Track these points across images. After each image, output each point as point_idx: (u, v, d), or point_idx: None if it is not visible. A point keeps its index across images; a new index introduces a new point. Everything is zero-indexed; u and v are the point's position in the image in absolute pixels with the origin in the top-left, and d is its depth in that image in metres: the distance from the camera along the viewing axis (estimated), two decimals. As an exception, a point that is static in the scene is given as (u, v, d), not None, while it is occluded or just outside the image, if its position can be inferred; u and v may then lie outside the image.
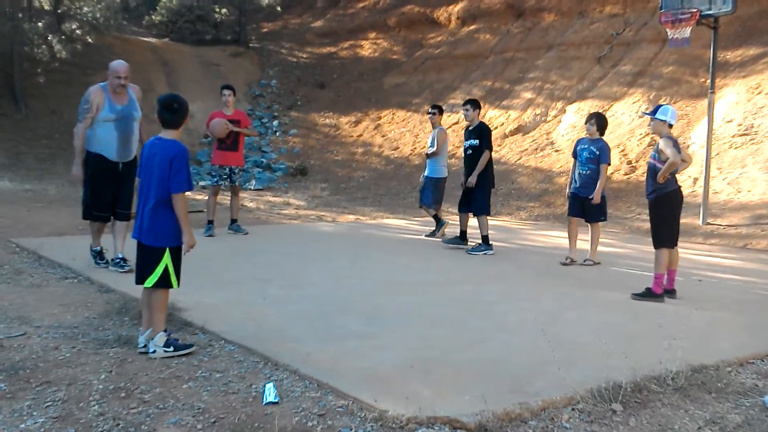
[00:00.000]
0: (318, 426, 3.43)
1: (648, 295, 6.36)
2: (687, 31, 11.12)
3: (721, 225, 10.74)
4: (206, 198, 9.77)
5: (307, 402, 3.70)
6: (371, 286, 6.64)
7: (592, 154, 7.96)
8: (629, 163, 13.65)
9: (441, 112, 10.01)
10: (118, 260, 6.77)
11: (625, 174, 13.39)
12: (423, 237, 9.93)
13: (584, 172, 8.01)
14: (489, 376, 4.16)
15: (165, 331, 4.46)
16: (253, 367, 4.24)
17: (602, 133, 8.12)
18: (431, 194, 9.81)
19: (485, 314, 5.64)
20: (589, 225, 8.17)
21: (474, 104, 8.98)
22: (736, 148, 12.61)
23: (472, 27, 21.90)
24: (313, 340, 4.74)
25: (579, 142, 8.30)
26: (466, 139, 8.92)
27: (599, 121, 8.17)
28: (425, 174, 9.96)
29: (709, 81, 11.87)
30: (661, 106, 6.56)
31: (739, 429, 3.56)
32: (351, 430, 3.38)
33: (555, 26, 19.59)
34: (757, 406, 3.86)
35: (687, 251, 8.98)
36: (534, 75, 18.26)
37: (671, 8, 11.36)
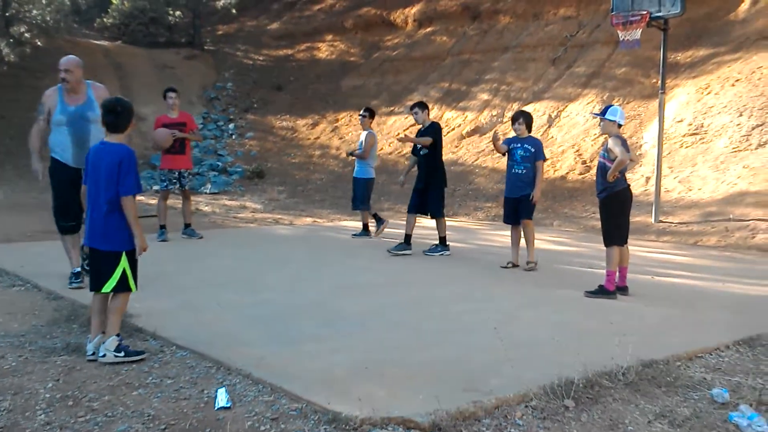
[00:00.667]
0: (271, 430, 3.39)
1: (601, 292, 6.44)
2: (637, 33, 11.30)
3: (672, 222, 10.94)
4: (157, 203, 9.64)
5: (260, 406, 3.66)
6: (327, 289, 6.61)
7: (527, 152, 7.80)
8: (584, 162, 13.83)
9: (372, 115, 10.36)
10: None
11: (580, 174, 13.57)
12: (352, 237, 10.21)
13: (520, 171, 7.83)
14: (443, 376, 4.16)
15: (117, 335, 4.39)
16: (206, 372, 4.18)
17: (530, 131, 8.06)
18: (363, 196, 10.15)
19: (441, 315, 5.65)
20: (522, 225, 7.91)
21: (422, 106, 9.00)
22: (686, 147, 12.86)
23: (428, 29, 21.99)
24: (267, 344, 4.70)
25: (509, 141, 8.08)
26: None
27: (527, 119, 8.04)
28: (354, 176, 10.30)
29: (659, 82, 12.09)
30: (611, 106, 6.65)
31: (688, 422, 3.62)
32: (304, 433, 3.35)
33: (510, 28, 19.77)
34: (705, 399, 3.93)
35: (639, 249, 9.13)
36: (490, 77, 18.41)
37: (622, 10, 11.54)
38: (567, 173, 13.74)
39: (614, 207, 6.54)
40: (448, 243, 8.74)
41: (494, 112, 17.07)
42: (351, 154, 10.67)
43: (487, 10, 20.66)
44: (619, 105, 15.07)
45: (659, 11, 11.25)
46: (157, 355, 4.49)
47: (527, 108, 16.42)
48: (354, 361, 4.37)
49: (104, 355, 4.31)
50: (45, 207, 11.98)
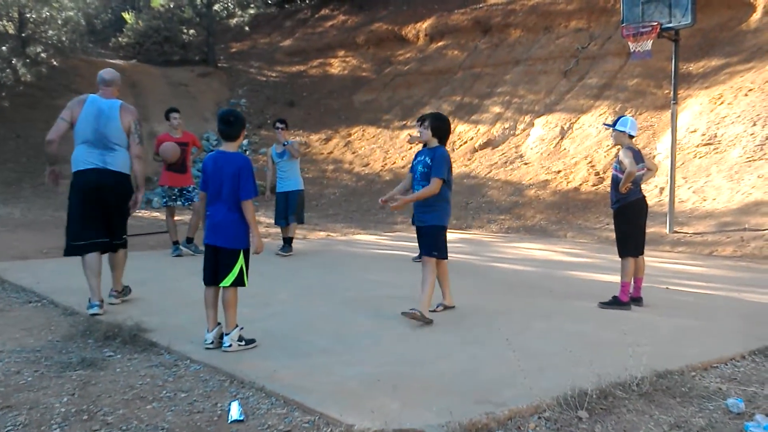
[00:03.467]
0: (283, 443, 3.40)
1: (615, 303, 6.42)
2: (648, 44, 11.31)
3: (687, 233, 10.88)
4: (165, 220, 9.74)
5: (273, 419, 3.67)
6: (340, 302, 6.62)
7: (427, 167, 5.84)
8: (597, 174, 13.81)
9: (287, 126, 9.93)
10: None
11: (593, 185, 13.55)
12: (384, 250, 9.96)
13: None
14: (456, 388, 4.16)
15: (237, 326, 4.90)
16: (219, 385, 4.20)
17: (441, 139, 5.96)
18: (302, 208, 9.92)
19: (454, 327, 5.65)
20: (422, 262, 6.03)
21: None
22: (700, 157, 12.81)
23: (440, 43, 22.09)
24: (280, 358, 4.71)
25: (417, 154, 6.15)
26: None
27: (434, 122, 5.95)
28: (291, 189, 9.74)
29: (672, 92, 12.06)
30: (621, 117, 6.63)
31: (703, 432, 3.59)
32: (317, 445, 3.36)
33: (521, 42, 19.82)
34: (720, 410, 3.90)
35: (654, 259, 9.09)
36: (502, 90, 18.45)
37: (632, 22, 11.56)
38: (580, 185, 13.71)
39: (629, 218, 6.49)
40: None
41: (506, 125, 17.09)
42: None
43: (497, 24, 20.73)
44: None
45: (670, 22, 11.26)
46: (171, 369, 4.51)
47: (539, 120, 16.45)
48: (366, 374, 4.37)
49: (230, 346, 4.84)
50: (61, 225, 12.12)
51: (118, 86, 6.14)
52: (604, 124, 7.72)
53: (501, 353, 4.87)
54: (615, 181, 6.49)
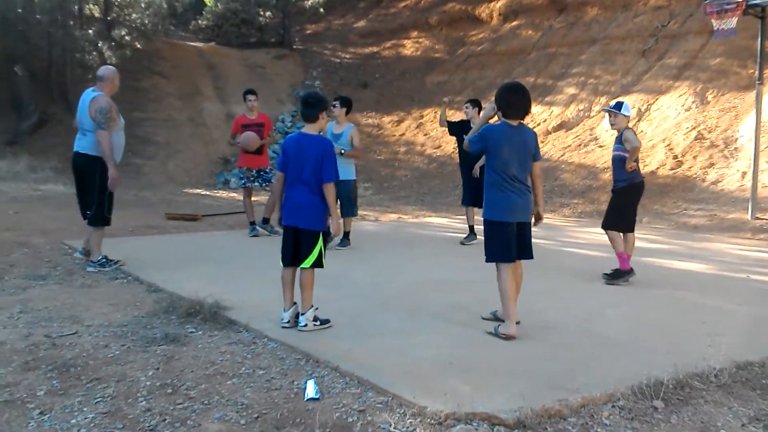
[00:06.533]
0: (358, 422, 3.49)
1: (618, 275, 6.75)
2: (733, 22, 10.88)
3: (771, 219, 10.49)
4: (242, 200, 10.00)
5: (348, 398, 3.77)
6: (412, 284, 6.68)
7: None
8: (675, 157, 13.42)
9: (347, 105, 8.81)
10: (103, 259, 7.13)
11: (671, 169, 13.17)
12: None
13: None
14: (528, 373, 4.17)
15: (312, 306, 5.02)
16: (295, 364, 4.33)
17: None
18: (356, 200, 8.84)
19: (526, 312, 5.62)
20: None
21: (474, 103, 9.18)
22: (786, 140, 12.29)
23: (514, 23, 21.75)
24: (353, 338, 4.81)
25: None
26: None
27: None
28: (344, 178, 7.94)
29: (757, 72, 11.59)
30: (621, 102, 6.95)
31: (784, 426, 3.51)
32: (390, 425, 3.43)
33: (598, 20, 19.34)
34: (802, 404, 3.79)
35: (734, 247, 8.83)
36: (577, 70, 18.07)
37: (717, -1, 11.13)
38: (657, 168, 13.35)
39: (632, 197, 6.87)
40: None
41: (581, 107, 16.75)
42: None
43: (574, 2, 20.27)
44: (714, 96, 14.55)
45: (757, -1, 10.79)
46: (249, 346, 4.67)
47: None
48: (438, 356, 4.43)
49: (305, 325, 4.96)
50: (145, 204, 12.57)
51: (111, 81, 7.02)
52: (603, 109, 7.89)
53: (575, 340, 4.85)
54: (619, 161, 6.78)
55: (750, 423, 3.56)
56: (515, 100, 4.96)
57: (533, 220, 5.26)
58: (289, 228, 5.05)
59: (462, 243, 9.13)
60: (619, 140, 6.79)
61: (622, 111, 6.80)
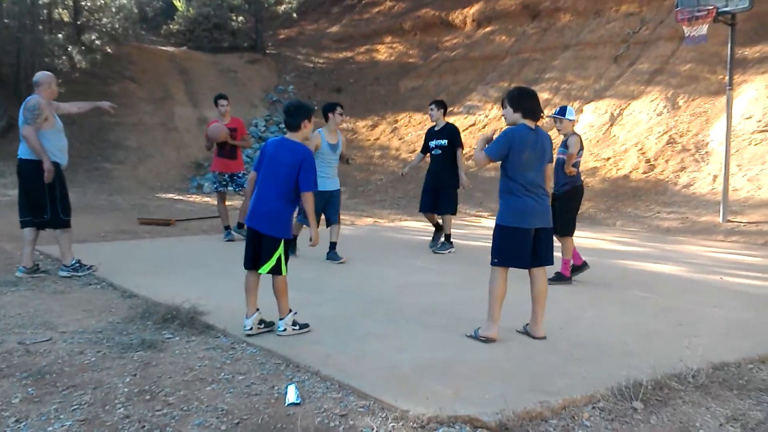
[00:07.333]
0: (340, 426, 3.47)
1: (559, 279, 6.88)
2: (704, 29, 11.06)
3: (741, 222, 10.65)
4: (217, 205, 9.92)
5: (329, 402, 3.74)
6: (390, 288, 6.67)
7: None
8: (647, 161, 13.58)
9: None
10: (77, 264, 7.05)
11: (644, 173, 13.33)
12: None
13: None
14: (509, 375, 4.18)
15: (291, 310, 4.98)
16: (275, 369, 4.29)
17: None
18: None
19: (505, 314, 5.63)
20: None
21: (439, 104, 9.05)
22: (755, 144, 12.51)
23: (487, 29, 21.88)
24: (333, 342, 4.78)
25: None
26: (432, 140, 8.94)
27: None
28: (336, 188, 8.34)
29: (727, 78, 11.78)
30: (566, 107, 7.16)
31: (761, 425, 3.55)
32: (373, 429, 3.41)
33: (571, 26, 19.54)
34: (779, 403, 3.85)
35: (707, 249, 8.95)
36: (550, 75, 18.23)
37: (687, 6, 11.30)
38: (630, 172, 13.51)
39: (575, 200, 7.06)
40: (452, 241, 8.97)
41: (554, 112, 16.88)
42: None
43: (546, 9, 20.45)
44: (684, 101, 14.76)
45: (726, 6, 10.98)
46: (228, 351, 4.62)
47: (588, 107, 16.22)
48: (419, 360, 4.42)
49: (284, 330, 4.92)
50: (116, 209, 12.41)
51: (48, 86, 6.92)
52: (548, 116, 7.97)
53: (553, 342, 4.86)
54: (561, 164, 6.91)
55: (727, 422, 3.60)
56: (532, 103, 5.03)
57: None
58: (251, 230, 4.96)
59: (436, 252, 8.79)
60: (564, 144, 6.98)
61: (567, 116, 7.01)
